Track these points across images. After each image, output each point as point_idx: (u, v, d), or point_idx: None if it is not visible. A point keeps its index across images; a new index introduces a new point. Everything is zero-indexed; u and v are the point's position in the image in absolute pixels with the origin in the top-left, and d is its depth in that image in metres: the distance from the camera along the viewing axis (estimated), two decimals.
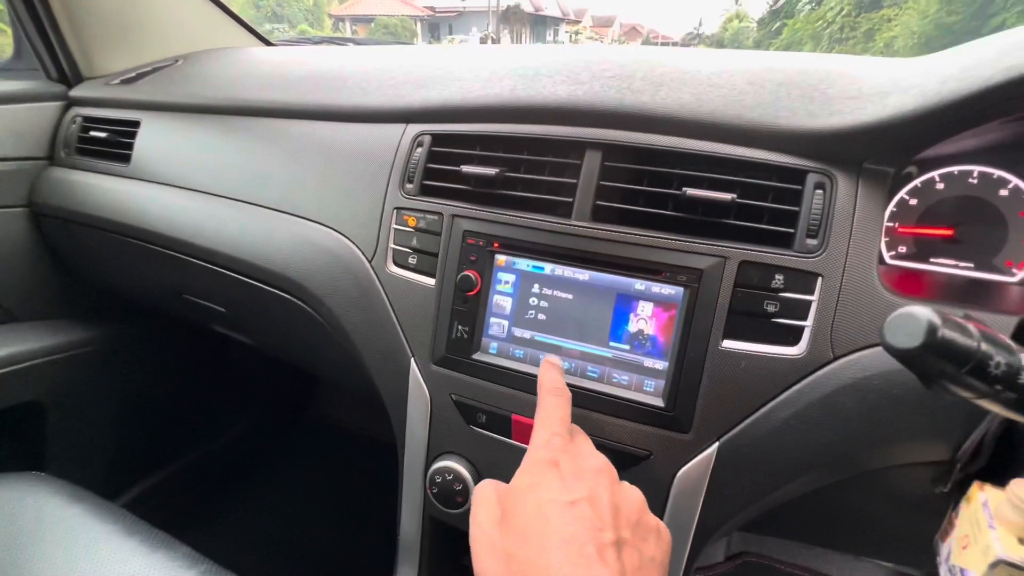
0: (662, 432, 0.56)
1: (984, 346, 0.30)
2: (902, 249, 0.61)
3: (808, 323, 0.51)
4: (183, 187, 0.88)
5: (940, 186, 0.59)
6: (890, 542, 0.61)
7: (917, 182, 0.60)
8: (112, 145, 0.97)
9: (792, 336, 0.52)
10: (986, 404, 0.32)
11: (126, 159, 0.95)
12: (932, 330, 0.30)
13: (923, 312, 0.30)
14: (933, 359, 0.30)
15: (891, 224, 0.61)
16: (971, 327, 0.31)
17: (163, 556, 0.74)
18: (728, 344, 0.53)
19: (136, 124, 0.95)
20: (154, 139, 0.93)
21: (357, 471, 1.60)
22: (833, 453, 0.51)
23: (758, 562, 1.32)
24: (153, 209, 0.89)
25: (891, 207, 0.60)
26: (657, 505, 0.57)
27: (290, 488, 1.56)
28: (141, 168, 0.93)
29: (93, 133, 0.99)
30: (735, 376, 0.53)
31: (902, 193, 0.60)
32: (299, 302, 0.77)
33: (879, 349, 0.49)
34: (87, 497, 0.83)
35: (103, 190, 0.96)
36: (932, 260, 0.60)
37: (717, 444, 0.54)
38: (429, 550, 0.72)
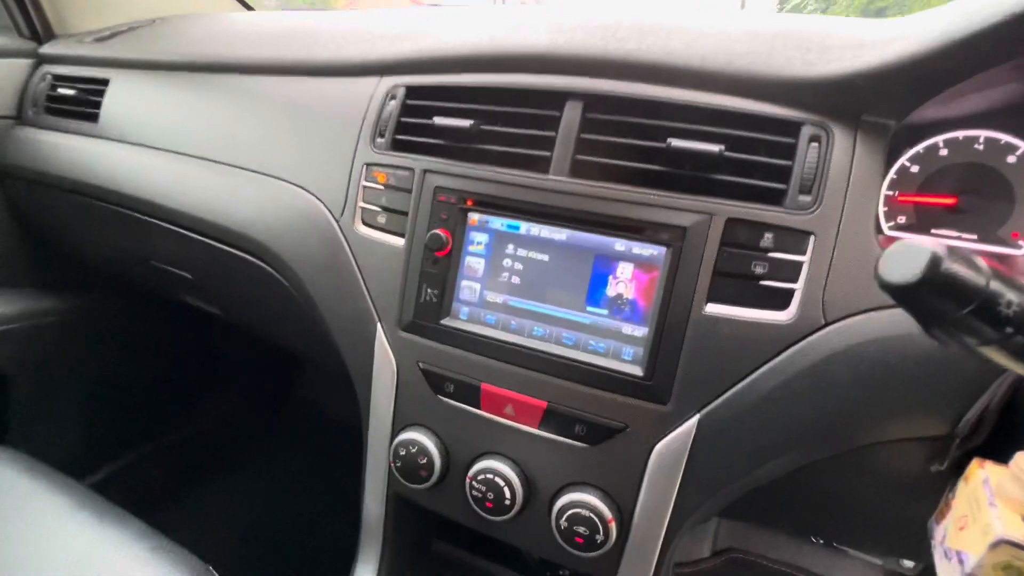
0: (639, 403, 0.52)
1: (994, 284, 0.27)
2: (901, 219, 0.57)
3: (798, 286, 0.47)
4: (151, 146, 0.84)
5: (943, 152, 0.55)
6: (880, 528, 0.57)
7: (919, 148, 0.56)
8: (80, 103, 0.92)
9: (781, 300, 0.48)
10: (991, 354, 0.29)
11: (94, 118, 0.91)
12: (935, 262, 0.26)
13: (926, 242, 0.27)
14: (935, 296, 0.27)
15: (890, 192, 0.57)
16: (981, 262, 0.27)
17: (114, 531, 0.70)
18: (712, 308, 0.49)
19: (105, 82, 0.91)
20: (123, 97, 0.89)
21: (337, 459, 1.56)
22: (822, 426, 0.48)
23: (744, 559, 1.28)
24: (119, 169, 0.85)
25: (891, 174, 0.56)
26: (632, 483, 0.53)
27: (267, 474, 1.51)
28: (109, 127, 0.89)
29: (61, 91, 0.94)
30: (718, 343, 0.49)
31: (903, 160, 0.56)
32: (265, 266, 0.73)
33: (875, 314, 0.45)
34: (40, 469, 0.79)
35: (70, 150, 0.92)
36: (933, 231, 0.56)
37: (698, 416, 0.50)
38: (393, 531, 0.68)
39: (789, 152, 0.49)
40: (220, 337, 1.56)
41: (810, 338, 0.47)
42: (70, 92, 0.93)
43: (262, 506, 1.41)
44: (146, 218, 0.83)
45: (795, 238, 0.47)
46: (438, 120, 0.59)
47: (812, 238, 0.47)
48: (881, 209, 0.57)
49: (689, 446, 0.51)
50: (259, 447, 1.59)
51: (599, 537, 0.52)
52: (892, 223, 0.58)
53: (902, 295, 0.27)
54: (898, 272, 0.27)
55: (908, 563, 1.09)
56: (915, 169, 0.57)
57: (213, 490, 1.42)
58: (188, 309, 1.38)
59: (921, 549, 0.52)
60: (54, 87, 0.97)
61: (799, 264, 0.47)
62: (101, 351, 1.21)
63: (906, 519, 0.52)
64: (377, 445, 0.65)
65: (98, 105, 0.90)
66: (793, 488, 0.55)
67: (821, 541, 1.13)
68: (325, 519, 1.36)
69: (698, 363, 0.50)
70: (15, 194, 1.01)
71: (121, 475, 1.34)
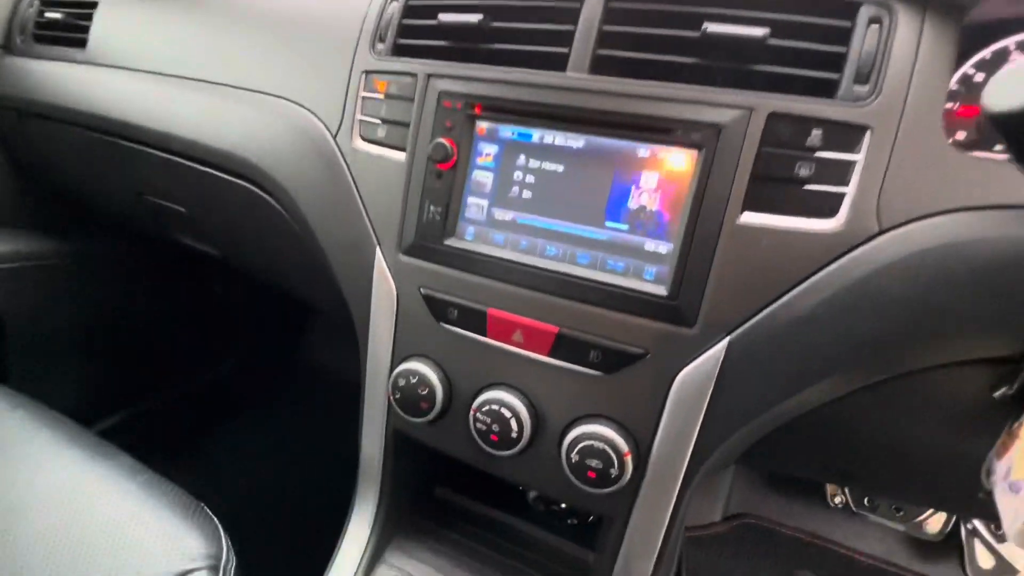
0: (662, 326, 0.47)
1: None
2: (961, 136, 0.51)
3: (849, 189, 0.41)
4: (140, 70, 0.79)
5: (1016, 57, 0.49)
6: (923, 472, 0.52)
7: (986, 53, 0.50)
8: (68, 28, 0.87)
9: (828, 206, 0.42)
10: None
11: (82, 44, 0.85)
12: None
13: None
14: None
15: (950, 105, 0.51)
16: None
17: (105, 466, 0.67)
18: (748, 218, 0.44)
19: (93, 5, 0.86)
20: (111, 20, 0.84)
21: (342, 416, 1.54)
22: (869, 349, 0.42)
23: (757, 524, 1.24)
24: (108, 95, 0.80)
25: (952, 83, 0.50)
26: (651, 415, 0.49)
27: (271, 430, 1.50)
28: (97, 52, 0.84)
29: (48, 15, 0.89)
30: (754, 257, 0.44)
31: (966, 67, 0.50)
32: (258, 191, 0.68)
33: (940, 219, 0.39)
34: (33, 406, 0.76)
35: (59, 77, 0.87)
36: (998, 148, 0.50)
37: (727, 340, 0.45)
38: (392, 471, 0.64)
39: (843, 37, 0.43)
40: (224, 292, 1.54)
41: (860, 249, 0.41)
42: (57, 16, 0.88)
43: (265, 460, 1.39)
44: (137, 146, 0.79)
45: (848, 134, 0.41)
46: (443, 18, 0.53)
47: (868, 134, 0.41)
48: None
49: (716, 373, 0.46)
50: (263, 403, 1.57)
51: (613, 471, 0.48)
52: (952, 140, 0.51)
53: (1012, 124, 0.22)
54: (1009, 96, 0.21)
55: (931, 528, 1.05)
56: (980, 77, 0.50)
57: (215, 444, 1.41)
58: (189, 259, 1.35)
59: (966, 495, 0.47)
60: (41, 12, 0.91)
61: (851, 164, 0.41)
62: (101, 298, 1.18)
63: (955, 458, 0.47)
64: (375, 378, 0.60)
65: (86, 30, 0.85)
66: (826, 425, 0.50)
67: (841, 501, 1.08)
68: (328, 475, 1.35)
69: (730, 280, 0.44)
70: (5, 128, 0.97)
71: (123, 427, 1.33)
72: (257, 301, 1.61)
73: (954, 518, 1.04)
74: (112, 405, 1.31)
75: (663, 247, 0.47)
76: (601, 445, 0.48)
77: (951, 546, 1.09)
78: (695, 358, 0.46)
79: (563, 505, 0.74)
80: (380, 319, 0.59)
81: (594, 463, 0.48)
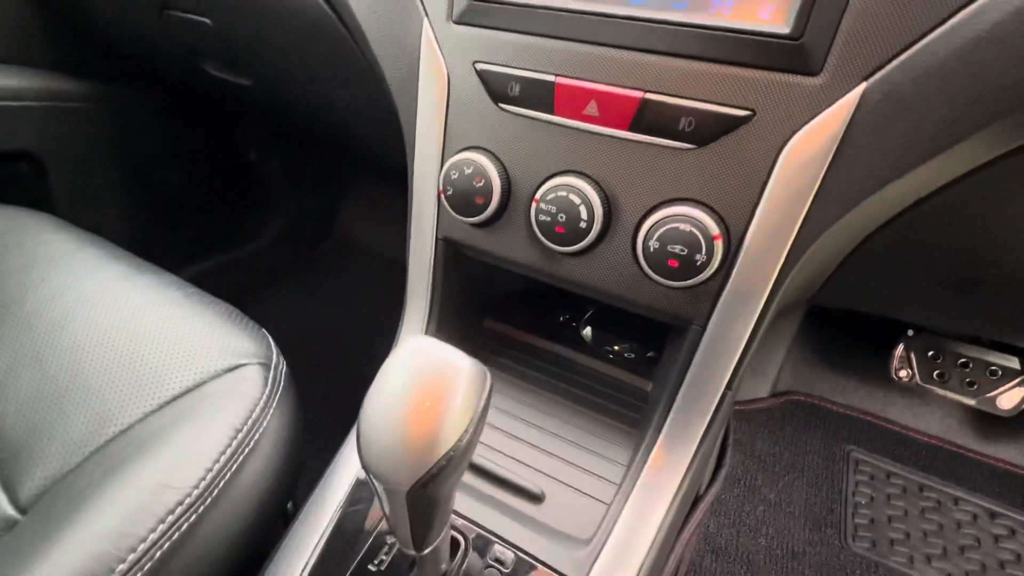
0: (778, 77, 0.38)
1: None
2: None
3: None
4: None
5: None
6: None
7: None
8: None
9: None
10: None
11: None
12: None
13: None
14: None
15: None
16: None
17: (149, 276, 0.66)
18: None
19: None
20: None
21: (381, 288, 1.54)
22: None
23: (806, 401, 1.21)
24: None
25: None
26: (750, 193, 0.41)
27: (312, 296, 1.52)
28: None
29: None
30: None
31: None
32: None
33: None
34: (77, 229, 0.75)
35: None
36: None
37: (862, 88, 0.36)
38: (443, 286, 0.60)
39: None
40: (259, 160, 1.50)
41: None
42: None
43: (308, 321, 1.42)
44: None
45: None
46: None
47: None
48: None
49: (841, 134, 0.38)
50: (303, 273, 1.58)
51: (699, 257, 0.42)
52: None
53: None
54: None
55: (1006, 404, 0.98)
56: None
57: (257, 307, 1.44)
58: (223, 118, 1.30)
59: None
60: None
61: None
62: (137, 150, 1.16)
63: None
64: (424, 177, 0.54)
65: None
66: (946, 216, 0.42)
67: (907, 375, 1.02)
68: (371, 334, 1.37)
69: (880, 3, 0.34)
70: None
71: None
72: (293, 175, 1.57)
73: None
74: (161, 265, 1.34)
75: None
76: (687, 227, 0.42)
77: (1020, 424, 1.03)
78: (817, 114, 0.38)
79: (616, 347, 0.70)
80: (428, 107, 0.52)
81: (677, 248, 0.42)
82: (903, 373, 1.01)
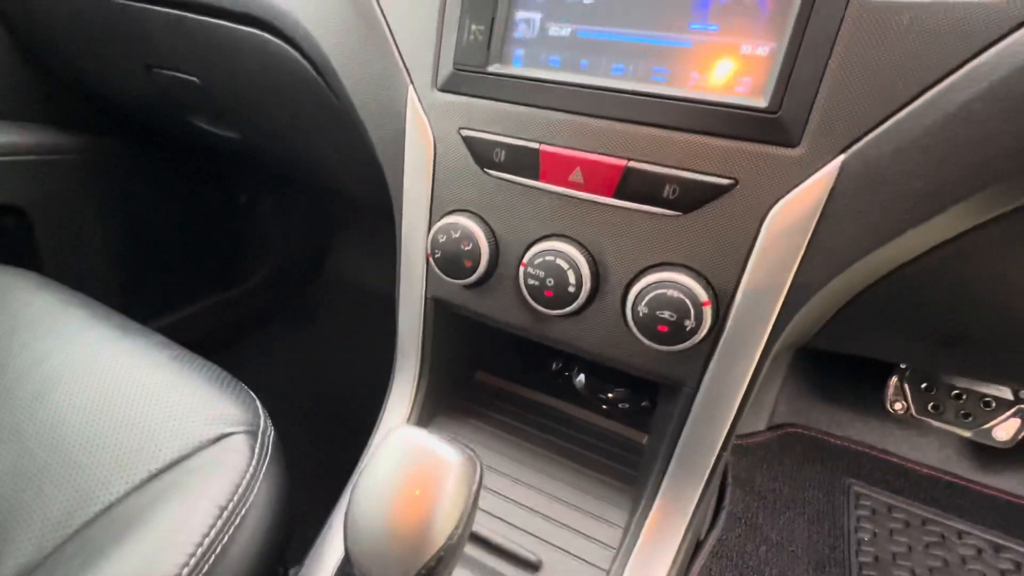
0: (757, 148, 0.39)
1: None
2: None
3: None
4: None
5: None
6: None
7: None
8: None
9: None
10: None
11: None
12: None
13: None
14: None
15: None
16: None
17: (135, 339, 0.65)
18: None
19: None
20: None
21: (372, 328, 1.53)
22: None
23: (804, 433, 1.20)
24: None
25: None
26: (736, 259, 0.41)
27: (302, 339, 1.50)
28: None
29: None
30: (890, 43, 0.34)
31: None
32: (272, 38, 0.60)
33: None
34: (62, 288, 0.74)
35: None
36: None
37: (840, 159, 0.37)
38: (433, 345, 0.60)
39: None
40: (250, 202, 1.50)
41: None
42: None
43: (297, 367, 1.41)
44: (141, 4, 0.71)
45: None
46: None
47: None
48: None
49: (822, 203, 0.38)
50: (293, 315, 1.57)
51: (688, 324, 0.42)
52: None
53: None
54: None
55: (1002, 435, 0.98)
56: None
57: (246, 351, 1.42)
58: (211, 163, 1.30)
59: None
60: None
61: None
62: (124, 199, 1.15)
63: None
64: (412, 240, 0.55)
65: None
66: (934, 273, 0.42)
67: (902, 407, 1.02)
68: (361, 380, 1.35)
69: (854, 79, 0.35)
70: (5, 3, 0.90)
71: (168, 331, 1.35)
72: (284, 215, 1.58)
73: None
74: (142, 313, 1.32)
75: (763, 48, 0.38)
76: (675, 294, 0.42)
77: (1019, 455, 1.03)
78: (798, 184, 0.38)
79: (610, 395, 0.70)
80: (415, 170, 0.52)
81: (666, 315, 0.42)
82: (898, 405, 1.01)
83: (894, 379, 1.02)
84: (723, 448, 0.48)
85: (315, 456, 1.03)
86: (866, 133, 0.36)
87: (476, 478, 0.31)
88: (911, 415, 1.01)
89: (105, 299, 1.04)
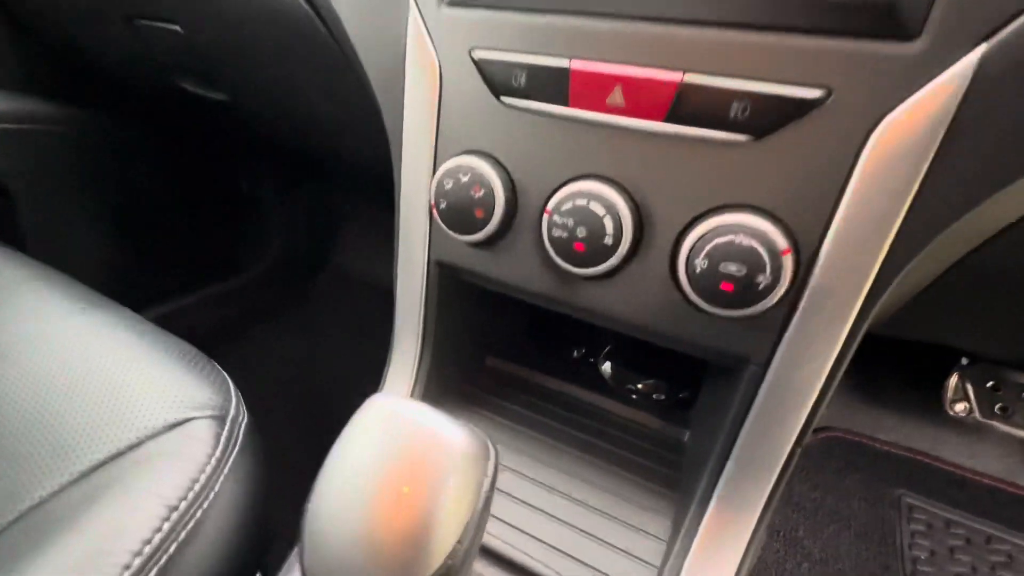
0: (858, 46, 0.29)
1: None
2: None
3: None
4: None
5: None
6: None
7: None
8: None
9: None
10: None
11: None
12: None
13: None
14: None
15: None
16: None
17: (101, 315, 0.57)
18: None
19: None
20: None
21: (380, 325, 1.45)
22: None
23: (847, 438, 1.09)
24: None
25: None
26: (825, 197, 0.32)
27: (303, 334, 1.43)
28: None
29: None
30: None
31: None
32: None
33: None
34: (21, 258, 0.67)
35: None
36: None
37: (981, 51, 0.28)
38: (436, 318, 0.51)
39: None
40: (251, 190, 1.43)
41: None
42: None
43: (296, 365, 1.33)
44: None
45: None
46: None
47: None
48: None
49: (951, 115, 0.29)
50: (295, 309, 1.49)
51: (762, 279, 0.32)
52: None
53: None
54: None
55: None
56: None
57: (245, 347, 1.35)
58: (209, 144, 1.24)
59: None
60: None
61: None
62: (116, 177, 1.09)
63: None
64: (413, 190, 0.46)
65: None
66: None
67: (964, 409, 0.90)
68: (364, 382, 1.27)
69: None
70: None
71: (163, 321, 1.28)
72: (286, 204, 1.51)
73: None
74: (134, 300, 1.25)
75: None
76: (746, 241, 0.32)
77: None
78: (912, 94, 0.29)
79: (641, 385, 0.60)
80: (417, 105, 0.43)
81: (732, 269, 0.33)
82: (959, 407, 0.90)
83: (955, 377, 0.91)
84: (797, 443, 0.38)
85: (313, 457, 0.94)
86: (1016, 15, 0.27)
87: (490, 470, 0.22)
88: (975, 418, 0.90)
89: (94, 284, 0.97)
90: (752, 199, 0.34)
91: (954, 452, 1.01)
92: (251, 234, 1.48)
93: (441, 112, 0.43)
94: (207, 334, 1.34)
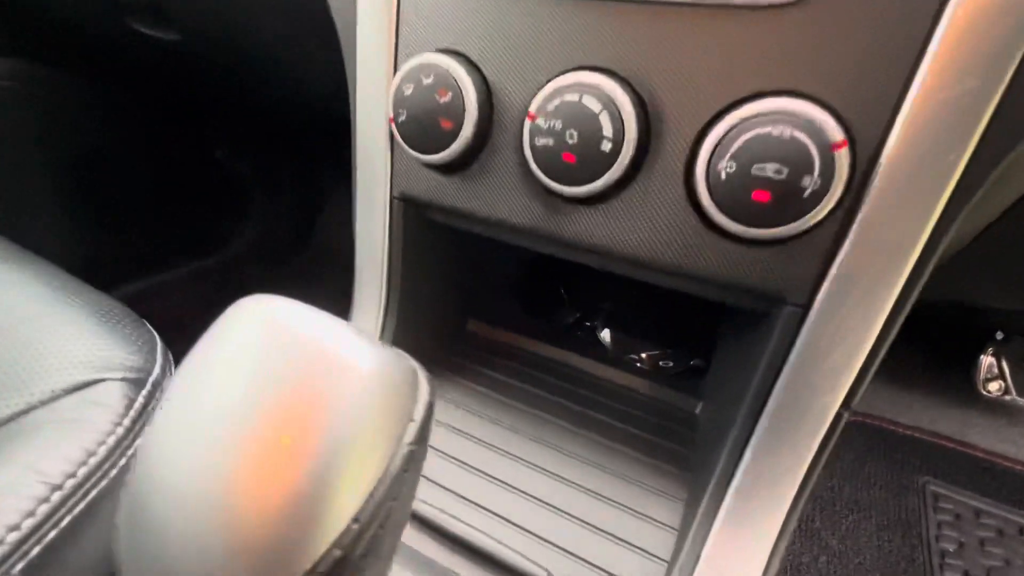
0: None
1: None
2: None
3: None
4: None
5: None
6: None
7: None
8: None
9: None
10: None
11: None
12: None
13: None
14: None
15: None
16: None
17: (12, 273, 0.49)
18: None
19: None
20: None
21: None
22: None
23: (866, 423, 1.02)
24: None
25: None
26: (888, 75, 0.24)
27: None
28: None
29: None
30: None
31: None
32: None
33: None
34: None
35: None
36: None
37: None
38: (403, 276, 0.43)
39: None
40: (228, 158, 1.35)
41: None
42: None
43: None
44: None
45: None
46: None
47: None
48: None
49: None
50: (277, 286, 1.42)
51: (809, 181, 0.25)
52: None
53: None
54: None
55: None
56: None
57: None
58: (180, 110, 1.16)
59: None
60: None
61: None
62: (81, 146, 1.01)
63: None
64: (369, 103, 0.38)
65: None
66: None
67: (999, 388, 0.82)
68: None
69: None
70: None
71: (132, 301, 1.21)
72: (267, 177, 1.43)
73: None
74: (103, 278, 1.18)
75: None
76: (787, 131, 0.24)
77: None
78: None
79: (644, 354, 0.53)
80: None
81: (770, 170, 0.25)
82: (994, 385, 0.82)
83: (989, 353, 0.83)
84: (844, 405, 0.30)
85: None
86: None
87: (417, 413, 0.15)
88: (1013, 398, 0.82)
89: (58, 259, 0.89)
90: (794, 82, 0.26)
91: (983, 436, 0.93)
92: (228, 207, 1.40)
93: (401, 2, 0.35)
94: (185, 313, 1.27)
